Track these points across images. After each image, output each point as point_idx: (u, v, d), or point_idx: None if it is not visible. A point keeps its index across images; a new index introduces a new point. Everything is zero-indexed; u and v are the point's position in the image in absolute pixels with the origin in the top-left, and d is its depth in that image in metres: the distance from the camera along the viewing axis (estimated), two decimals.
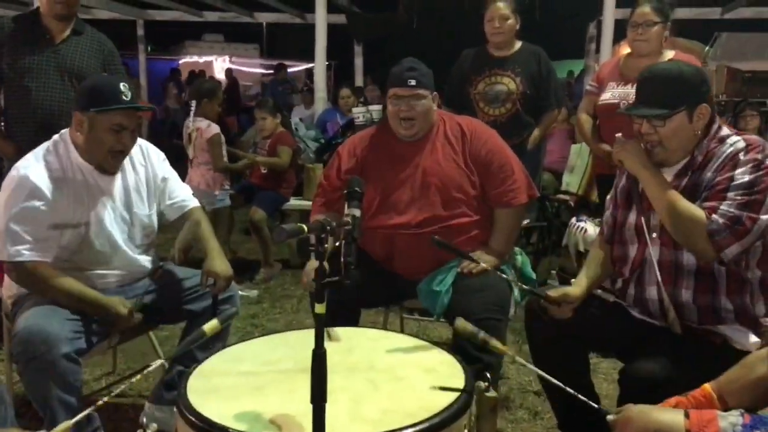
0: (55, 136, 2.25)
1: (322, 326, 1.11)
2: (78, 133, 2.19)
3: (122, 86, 2.15)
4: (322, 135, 5.47)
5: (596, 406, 1.66)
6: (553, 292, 2.00)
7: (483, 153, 2.44)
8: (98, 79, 2.42)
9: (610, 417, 1.56)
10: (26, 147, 2.39)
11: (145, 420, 1.71)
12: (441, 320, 2.40)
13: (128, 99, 2.14)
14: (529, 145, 3.63)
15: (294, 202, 4.79)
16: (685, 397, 1.49)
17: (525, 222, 4.14)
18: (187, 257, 4.38)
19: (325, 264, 1.16)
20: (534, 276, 2.71)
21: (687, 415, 1.36)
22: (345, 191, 1.51)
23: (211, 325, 1.74)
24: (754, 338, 1.84)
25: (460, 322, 1.84)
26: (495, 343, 1.77)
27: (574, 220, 3.92)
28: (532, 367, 1.84)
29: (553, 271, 4.17)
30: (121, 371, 2.97)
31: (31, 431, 1.47)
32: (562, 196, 4.66)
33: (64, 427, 1.46)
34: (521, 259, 2.64)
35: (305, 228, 1.16)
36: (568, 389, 1.68)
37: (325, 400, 1.11)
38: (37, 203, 2.10)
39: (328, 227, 1.16)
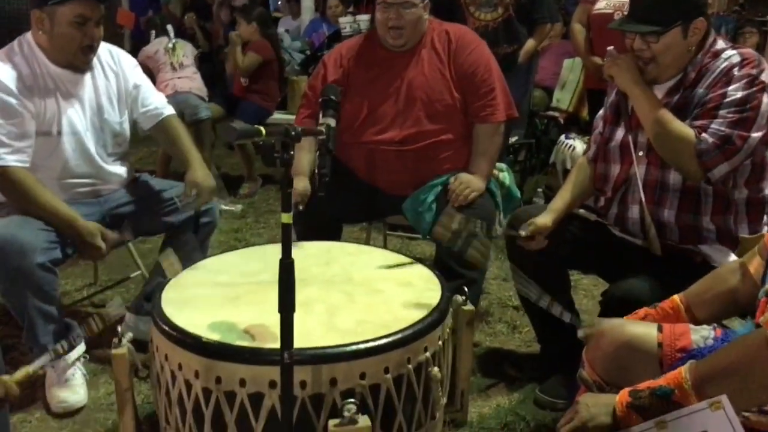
0: (17, 40, 2.14)
1: (289, 236, 1.07)
2: (40, 33, 2.08)
3: None
4: (308, 46, 5.29)
5: (569, 317, 1.66)
6: (524, 229, 1.96)
7: (467, 63, 2.36)
8: None
9: (580, 332, 1.58)
10: None
11: (119, 329, 1.71)
12: (427, 238, 2.39)
13: None
14: (521, 58, 3.52)
15: (278, 116, 4.67)
16: (654, 309, 1.50)
17: (513, 139, 4.09)
18: (168, 170, 4.32)
19: (295, 174, 1.11)
20: (519, 195, 2.68)
21: (660, 329, 1.36)
22: (320, 99, 1.44)
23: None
24: (733, 257, 1.84)
25: (449, 216, 1.87)
26: (474, 251, 1.78)
27: (562, 137, 3.86)
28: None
29: (539, 189, 4.15)
30: (103, 282, 2.97)
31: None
32: (551, 113, 4.58)
33: (23, 373, 1.46)
34: (507, 176, 2.60)
35: (262, 130, 1.11)
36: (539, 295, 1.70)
37: (293, 310, 1.10)
38: (12, 101, 2.03)
39: (293, 132, 1.11)
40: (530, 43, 3.56)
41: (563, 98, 4.51)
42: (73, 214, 2.08)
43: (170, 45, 4.57)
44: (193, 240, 2.32)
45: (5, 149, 2.01)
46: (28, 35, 2.14)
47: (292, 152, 1.09)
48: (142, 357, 1.75)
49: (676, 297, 1.48)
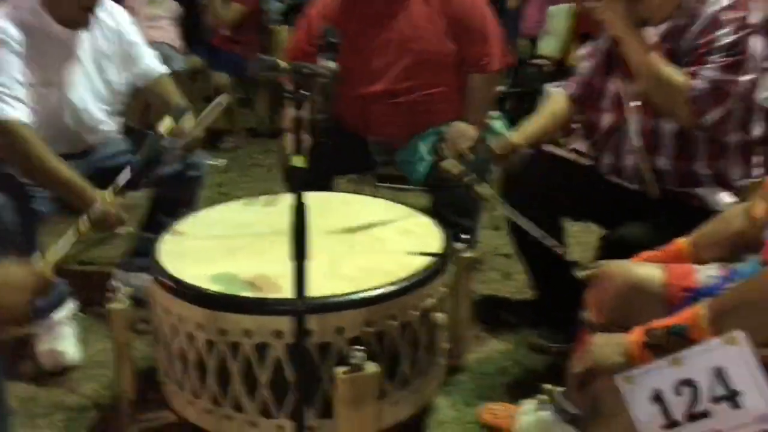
0: None
1: (300, 180, 1.04)
2: None
3: None
4: None
5: (562, 251, 1.68)
6: (497, 147, 1.99)
7: (460, 12, 2.29)
8: None
9: (579, 273, 1.59)
10: None
11: (114, 284, 1.67)
12: (420, 188, 2.37)
13: None
14: (508, 3, 3.44)
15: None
16: (658, 251, 1.50)
17: (500, 88, 4.04)
18: (147, 123, 4.21)
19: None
20: None
21: (665, 269, 1.36)
22: (319, 42, 1.39)
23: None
24: (729, 198, 1.85)
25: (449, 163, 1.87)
26: (480, 188, 1.80)
27: (549, 86, 3.82)
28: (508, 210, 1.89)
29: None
30: (89, 239, 2.90)
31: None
32: (538, 61, 4.53)
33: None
34: (501, 125, 2.58)
35: (282, 64, 1.06)
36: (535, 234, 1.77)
37: (305, 258, 1.07)
38: (15, 46, 1.94)
39: (305, 71, 1.06)
40: None
41: (549, 46, 4.45)
42: (83, 182, 1.93)
43: None
44: (181, 194, 2.29)
45: (7, 103, 1.89)
46: None
47: (303, 92, 1.05)
48: (138, 312, 1.73)
49: (680, 240, 1.48)
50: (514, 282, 2.60)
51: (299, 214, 1.01)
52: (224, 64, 4.34)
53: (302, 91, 1.04)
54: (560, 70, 4.32)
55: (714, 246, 1.44)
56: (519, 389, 1.88)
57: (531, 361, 2.09)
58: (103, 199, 1.89)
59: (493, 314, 2.37)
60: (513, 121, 4.53)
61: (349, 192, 2.94)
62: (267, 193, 2.06)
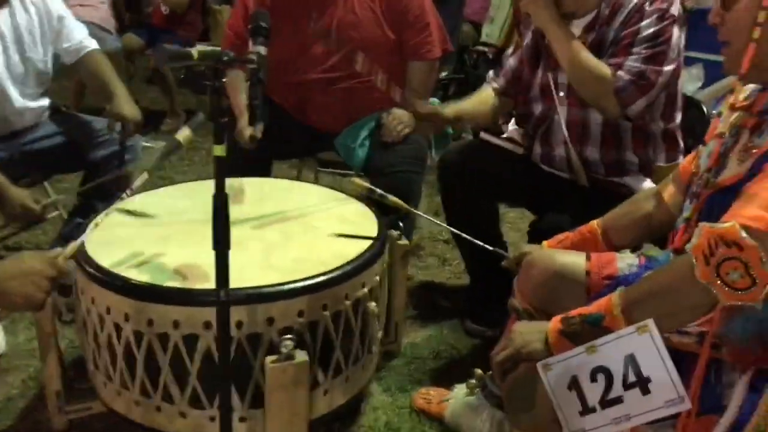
0: None
1: (223, 170, 1.03)
2: None
3: None
4: None
5: (490, 248, 1.73)
6: (420, 107, 2.01)
7: (399, 0, 2.28)
8: None
9: (504, 262, 1.63)
10: None
11: None
12: (360, 175, 2.37)
13: None
14: None
15: (200, 48, 4.43)
16: (572, 232, 1.55)
17: (443, 74, 4.06)
18: (82, 104, 4.06)
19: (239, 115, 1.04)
20: (451, 130, 2.68)
21: (588, 258, 1.41)
22: (249, 26, 1.36)
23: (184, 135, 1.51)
24: (650, 184, 1.92)
25: (356, 181, 1.89)
26: (392, 198, 1.80)
27: (491, 72, 3.85)
28: (431, 218, 1.97)
29: (469, 125, 4.16)
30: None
31: None
32: (480, 48, 4.56)
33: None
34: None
35: (194, 53, 1.04)
36: (470, 238, 1.78)
37: (228, 247, 1.06)
38: None
39: (224, 57, 1.04)
40: None
41: (492, 33, 4.49)
42: (3, 180, 1.90)
43: None
44: (116, 177, 2.22)
45: None
46: None
47: (224, 79, 1.03)
48: (65, 300, 1.67)
49: (593, 222, 1.53)
50: (450, 267, 2.64)
51: (220, 203, 0.99)
52: (165, 44, 4.21)
53: (218, 80, 1.01)
54: (501, 57, 4.37)
55: (624, 228, 1.50)
56: (452, 374, 1.92)
57: (465, 345, 2.13)
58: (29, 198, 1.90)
59: (429, 299, 2.40)
60: None
61: (290, 177, 2.92)
62: (208, 178, 2.03)
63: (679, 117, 1.92)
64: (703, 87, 3.79)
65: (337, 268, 1.47)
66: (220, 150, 0.98)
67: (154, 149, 3.88)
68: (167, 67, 4.15)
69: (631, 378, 1.08)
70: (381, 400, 1.86)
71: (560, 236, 1.56)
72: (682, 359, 1.10)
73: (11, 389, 1.89)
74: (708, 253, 1.00)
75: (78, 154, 2.20)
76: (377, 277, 1.61)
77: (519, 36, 2.28)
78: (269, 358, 1.37)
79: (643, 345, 1.06)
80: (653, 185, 1.90)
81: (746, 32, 1.08)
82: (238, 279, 1.33)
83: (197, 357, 1.40)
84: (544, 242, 1.58)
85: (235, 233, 1.09)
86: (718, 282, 1.00)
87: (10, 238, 2.69)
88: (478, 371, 1.72)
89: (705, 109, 2.07)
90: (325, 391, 1.53)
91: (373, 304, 1.58)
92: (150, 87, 4.94)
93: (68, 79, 2.41)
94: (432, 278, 2.58)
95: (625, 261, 1.39)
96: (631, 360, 1.07)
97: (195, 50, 1.05)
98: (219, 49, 1.08)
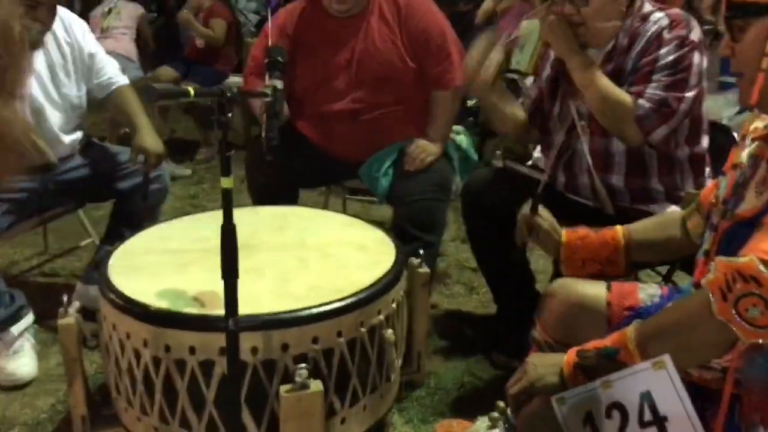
0: None
1: (230, 201, 1.04)
2: None
3: None
4: (264, 7, 5.13)
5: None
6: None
7: (419, 29, 2.29)
8: None
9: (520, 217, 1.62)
10: None
11: (65, 299, 1.66)
12: (385, 203, 2.38)
13: None
14: (478, 18, 3.47)
15: (234, 79, 4.55)
16: (595, 233, 1.51)
17: (472, 102, 4.05)
18: (120, 136, 4.19)
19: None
20: (477, 157, 2.68)
21: (609, 288, 1.38)
22: (265, 61, 1.39)
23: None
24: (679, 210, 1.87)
25: None
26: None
27: (522, 99, 3.83)
28: None
29: (498, 152, 4.14)
30: (53, 251, 2.88)
31: None
32: (510, 75, 4.54)
33: None
34: (465, 139, 2.59)
35: (190, 90, 1.06)
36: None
37: (236, 277, 1.07)
38: None
39: (229, 93, 1.06)
40: (488, 2, 3.51)
41: (522, 60, 4.47)
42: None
43: (107, 9, 4.49)
44: (142, 207, 2.28)
45: None
46: None
47: (230, 114, 1.05)
48: (93, 327, 1.71)
49: (618, 228, 1.49)
50: (478, 296, 2.60)
51: (229, 236, 1.01)
52: (198, 76, 4.33)
53: (224, 115, 1.03)
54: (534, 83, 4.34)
55: (647, 250, 1.47)
56: (476, 405, 1.87)
57: (490, 376, 2.09)
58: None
59: (455, 329, 2.37)
60: (485, 135, 4.57)
61: (318, 204, 2.95)
62: (238, 206, 2.06)
63: (706, 141, 1.88)
64: (741, 112, 3.70)
65: (351, 295, 1.47)
66: (227, 182, 1.00)
67: (185, 176, 3.98)
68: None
69: (647, 416, 1.04)
70: (403, 431, 1.84)
71: (581, 231, 1.52)
72: (702, 394, 1.06)
73: (40, 413, 1.92)
74: (725, 288, 0.97)
75: (107, 185, 2.27)
76: (394, 305, 1.60)
77: None
78: (283, 387, 1.37)
79: (659, 382, 1.02)
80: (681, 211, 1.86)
81: (756, 63, 1.06)
82: (254, 305, 1.35)
83: (213, 383, 1.41)
84: (564, 231, 1.55)
85: (253, 260, 1.11)
86: (737, 319, 0.96)
87: (46, 264, 2.77)
88: (501, 404, 1.67)
89: (736, 135, 2.02)
90: (343, 420, 1.52)
91: (390, 331, 1.56)
92: (185, 117, 5.08)
93: (103, 112, 2.50)
94: (459, 307, 2.55)
95: (647, 291, 1.35)
96: (647, 397, 1.04)
97: (191, 88, 1.07)
98: (219, 87, 1.10)
